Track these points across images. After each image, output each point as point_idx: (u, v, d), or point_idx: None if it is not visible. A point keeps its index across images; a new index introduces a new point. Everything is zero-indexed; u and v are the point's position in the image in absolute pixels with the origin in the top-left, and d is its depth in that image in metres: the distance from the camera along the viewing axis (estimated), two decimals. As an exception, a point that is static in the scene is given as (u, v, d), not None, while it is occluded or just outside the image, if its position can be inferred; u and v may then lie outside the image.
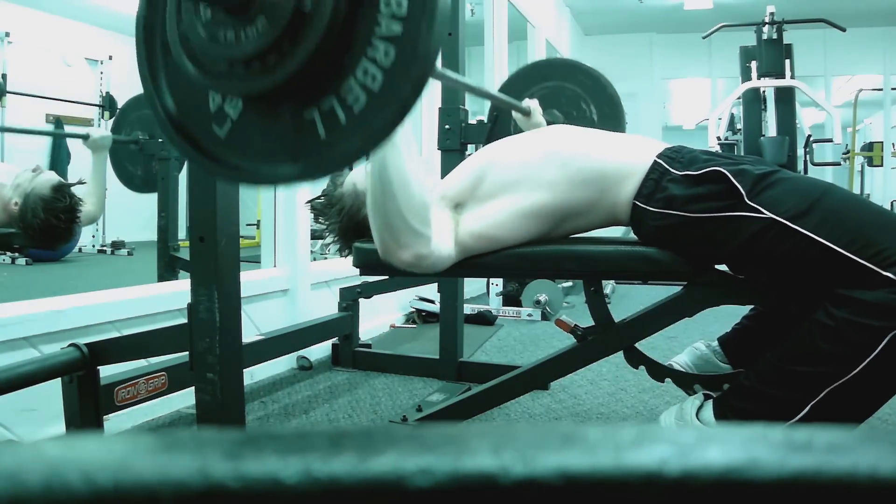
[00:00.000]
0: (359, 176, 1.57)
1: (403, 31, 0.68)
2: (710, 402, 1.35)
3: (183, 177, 2.89)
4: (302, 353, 2.48)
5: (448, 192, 1.43)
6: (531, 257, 1.40)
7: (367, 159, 1.14)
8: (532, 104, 1.93)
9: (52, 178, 2.02)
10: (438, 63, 0.73)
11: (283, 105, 0.74)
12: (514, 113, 1.97)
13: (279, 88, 0.71)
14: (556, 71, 2.19)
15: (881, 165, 7.51)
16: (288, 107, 0.74)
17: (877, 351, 1.11)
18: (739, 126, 5.56)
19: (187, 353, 1.26)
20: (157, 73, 0.82)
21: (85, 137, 2.44)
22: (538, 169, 1.38)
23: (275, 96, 0.73)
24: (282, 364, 2.46)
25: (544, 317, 3.54)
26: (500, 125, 2.22)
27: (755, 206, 1.22)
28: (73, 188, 2.04)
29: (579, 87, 2.13)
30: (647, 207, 1.33)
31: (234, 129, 0.78)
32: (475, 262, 1.40)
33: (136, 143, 2.83)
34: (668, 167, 1.33)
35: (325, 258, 3.94)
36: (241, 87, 0.74)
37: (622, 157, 1.38)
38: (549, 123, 2.02)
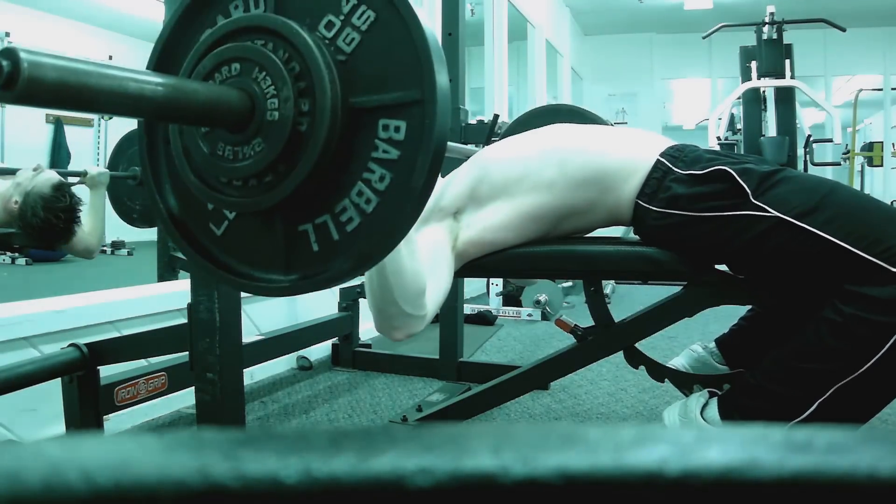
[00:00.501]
0: None
1: (400, 156, 0.69)
2: (715, 399, 1.34)
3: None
4: (302, 353, 2.48)
5: (444, 203, 1.41)
6: (531, 257, 1.40)
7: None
8: None
9: (53, 177, 2.02)
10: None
11: (277, 218, 0.75)
12: None
13: (274, 207, 0.72)
14: (560, 116, 2.17)
15: (881, 165, 7.52)
16: (282, 218, 0.75)
17: (886, 347, 1.11)
18: (739, 126, 5.56)
19: (187, 353, 1.26)
20: (161, 175, 0.82)
21: (83, 175, 2.44)
22: (536, 168, 1.37)
23: (269, 211, 0.74)
24: (282, 364, 2.46)
25: (544, 317, 3.54)
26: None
27: (761, 204, 1.22)
28: (73, 187, 2.04)
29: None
30: (650, 207, 1.32)
31: (229, 229, 0.79)
32: (475, 261, 1.40)
33: (133, 179, 2.82)
34: (671, 166, 1.32)
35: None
36: (237, 204, 0.74)
37: (624, 155, 1.37)
38: None
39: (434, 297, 1.26)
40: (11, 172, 2.07)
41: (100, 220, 2.40)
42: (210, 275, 0.80)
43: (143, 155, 0.83)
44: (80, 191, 2.12)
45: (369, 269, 0.75)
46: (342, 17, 0.71)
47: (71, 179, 2.22)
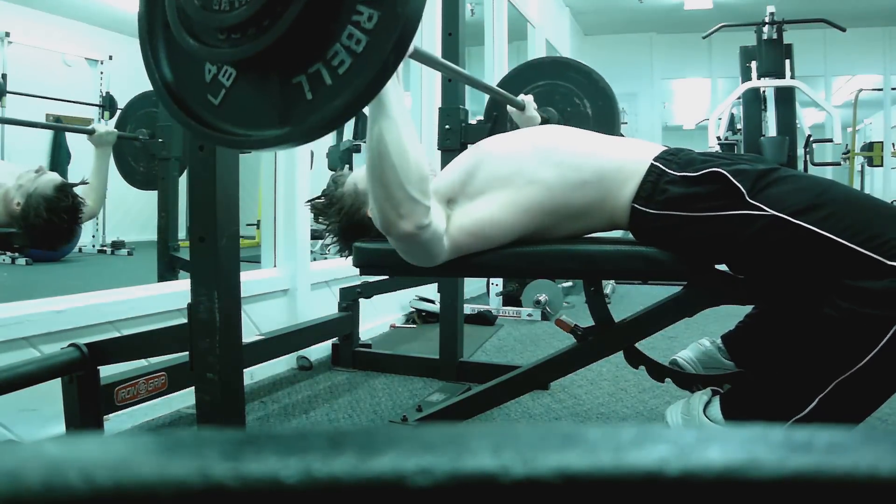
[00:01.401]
0: (359, 176, 1.57)
1: None
2: (718, 398, 1.34)
3: (183, 177, 2.89)
4: (302, 353, 2.48)
5: (440, 187, 1.42)
6: (531, 257, 1.40)
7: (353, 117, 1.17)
8: (526, 99, 1.95)
9: (55, 178, 2.03)
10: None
11: (272, 72, 0.77)
12: (508, 108, 1.99)
13: (270, 51, 0.75)
14: (547, 70, 2.20)
15: (881, 165, 7.51)
16: (277, 73, 0.77)
17: (884, 341, 1.11)
18: (739, 126, 5.56)
19: (187, 353, 1.26)
20: (157, 46, 0.86)
21: (90, 132, 2.45)
22: (530, 164, 1.37)
23: (265, 63, 0.77)
24: (282, 364, 2.46)
25: (544, 317, 3.54)
26: (499, 124, 2.22)
27: (757, 203, 1.22)
28: (75, 188, 2.04)
29: (572, 84, 2.15)
30: (647, 210, 1.33)
31: (226, 97, 0.82)
32: (475, 261, 1.40)
33: (140, 140, 2.84)
34: (665, 168, 1.32)
35: (325, 258, 3.94)
36: (235, 54, 0.77)
37: (619, 159, 1.37)
38: (544, 120, 2.03)
39: (436, 213, 1.28)
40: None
41: (103, 180, 2.41)
42: (206, 139, 0.84)
43: (143, 30, 0.85)
44: (81, 190, 2.12)
45: (362, 108, 0.79)
46: None
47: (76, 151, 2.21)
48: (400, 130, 1.16)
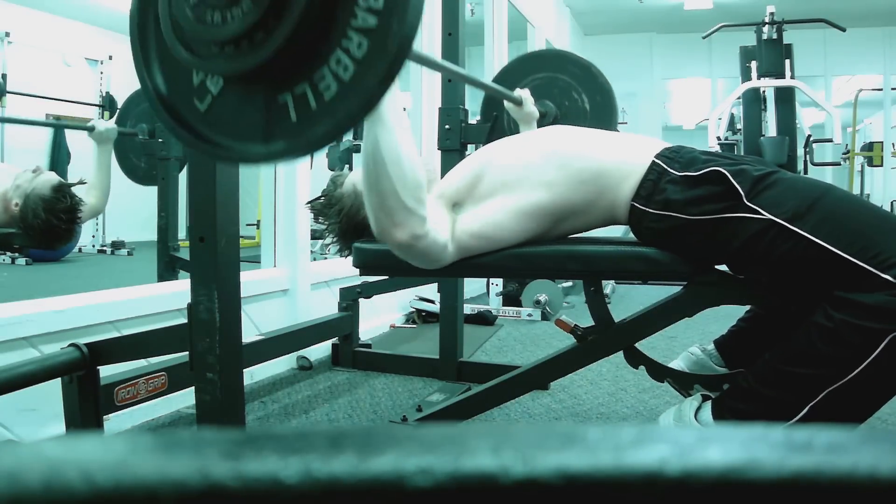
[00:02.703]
0: (358, 177, 1.57)
1: (378, 24, 0.70)
2: (709, 403, 1.35)
3: (183, 177, 2.89)
4: (302, 353, 2.48)
5: (446, 191, 1.42)
6: (531, 257, 1.40)
7: (337, 142, 1.16)
8: (523, 94, 1.94)
9: (53, 178, 2.02)
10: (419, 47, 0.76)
11: (259, 86, 0.77)
12: (505, 102, 1.99)
13: (259, 68, 0.74)
14: (547, 62, 2.20)
15: (881, 165, 7.51)
16: (264, 88, 0.77)
17: (875, 353, 1.11)
18: (739, 126, 5.56)
19: (187, 353, 1.26)
20: (150, 54, 0.85)
21: (90, 129, 2.45)
22: (537, 169, 1.38)
23: (253, 77, 0.77)
24: (282, 364, 2.46)
25: (544, 317, 3.54)
26: (498, 123, 2.22)
27: (754, 207, 1.22)
28: (73, 188, 2.04)
29: (570, 78, 2.14)
30: (646, 209, 1.33)
31: (213, 105, 0.82)
32: (475, 262, 1.40)
33: (140, 135, 2.84)
34: (666, 167, 1.32)
35: (325, 258, 3.94)
36: (224, 67, 0.77)
37: (621, 157, 1.37)
38: (541, 114, 2.03)
39: (437, 221, 1.27)
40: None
41: (105, 177, 2.41)
42: (192, 146, 0.84)
43: (134, 35, 0.85)
44: (81, 191, 2.12)
45: (343, 135, 0.79)
46: None
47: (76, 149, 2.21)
48: (396, 139, 1.15)
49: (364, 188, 1.21)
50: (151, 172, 2.90)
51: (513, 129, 2.11)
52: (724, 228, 1.26)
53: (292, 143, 0.76)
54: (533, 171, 1.38)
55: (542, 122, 2.06)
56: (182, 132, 0.83)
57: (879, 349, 1.11)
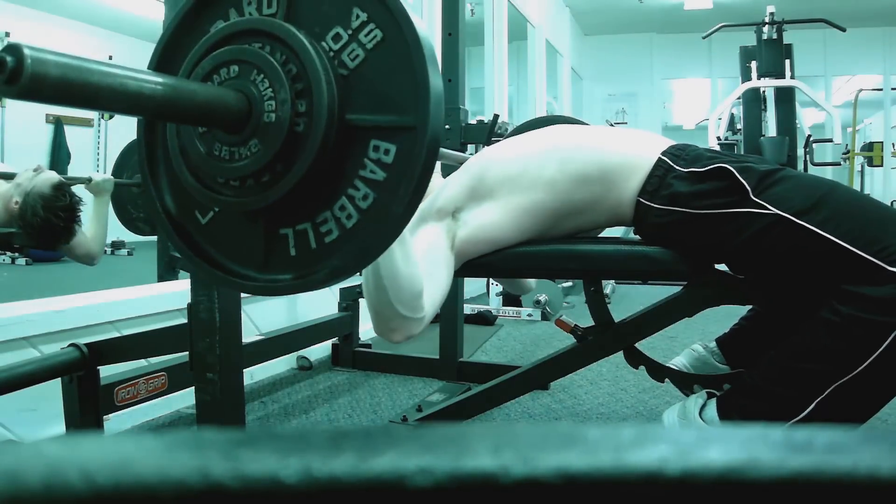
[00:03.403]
0: None
1: (386, 178, 0.70)
2: (714, 400, 1.34)
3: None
4: (302, 353, 2.48)
5: (443, 205, 1.40)
6: (531, 257, 1.40)
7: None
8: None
9: (53, 177, 2.03)
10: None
11: (261, 217, 0.76)
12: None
13: (263, 209, 0.74)
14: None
15: (881, 165, 7.52)
16: (265, 220, 0.76)
17: (883, 347, 1.11)
18: (739, 126, 5.56)
19: (187, 353, 1.26)
20: (159, 175, 0.84)
21: (87, 181, 2.45)
22: (536, 166, 1.37)
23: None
24: (282, 364, 2.46)
25: (544, 317, 3.54)
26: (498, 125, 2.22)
27: (760, 202, 1.22)
28: (72, 187, 2.04)
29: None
30: (652, 204, 1.32)
31: (214, 220, 0.81)
32: (475, 262, 1.40)
33: (137, 186, 2.83)
34: (672, 164, 1.32)
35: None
36: (229, 202, 0.75)
37: (625, 153, 1.37)
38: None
39: (432, 298, 1.25)
40: (10, 176, 2.07)
41: (102, 227, 2.41)
42: (194, 265, 0.82)
43: (142, 156, 0.84)
44: (81, 191, 2.12)
45: (342, 281, 0.77)
46: (350, 32, 0.72)
47: (75, 189, 2.22)
48: (394, 258, 1.13)
49: (363, 290, 1.21)
50: (150, 222, 2.90)
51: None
52: (729, 223, 1.25)
53: (290, 279, 0.75)
54: (532, 168, 1.37)
55: None
56: (187, 251, 0.82)
57: (887, 343, 1.11)
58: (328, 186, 0.73)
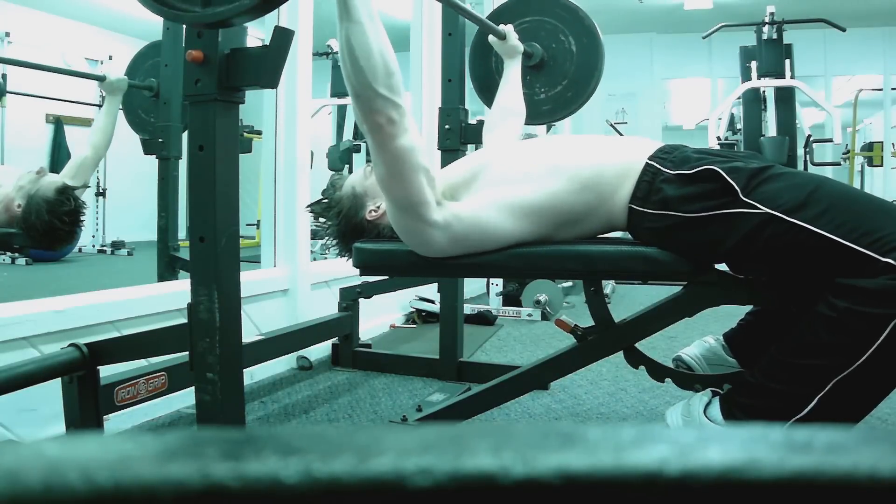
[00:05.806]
0: (357, 179, 1.58)
1: None
2: (717, 399, 1.35)
3: (183, 176, 2.88)
4: (302, 353, 2.48)
5: (449, 178, 1.44)
6: (531, 257, 1.40)
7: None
8: (507, 28, 1.99)
9: (57, 180, 2.03)
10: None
11: None
12: (489, 37, 2.03)
13: None
14: (535, 5, 2.21)
15: (881, 165, 7.51)
16: None
17: (881, 338, 1.11)
18: (739, 126, 5.56)
19: (187, 353, 1.26)
20: None
21: (101, 79, 2.48)
22: (538, 179, 1.39)
23: None
24: (282, 364, 2.46)
25: (544, 317, 3.54)
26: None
27: (751, 201, 1.23)
28: (76, 191, 2.04)
29: (557, 21, 2.16)
30: (644, 210, 1.33)
31: None
32: (475, 262, 1.40)
33: (149, 90, 2.84)
34: (660, 167, 1.33)
35: (325, 258, 3.94)
36: None
37: (617, 161, 1.38)
38: (528, 55, 2.08)
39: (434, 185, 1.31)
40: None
41: (111, 122, 2.43)
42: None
43: None
44: (82, 192, 2.12)
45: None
46: None
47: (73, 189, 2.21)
48: (365, 32, 1.18)
49: (345, 80, 1.24)
50: (158, 129, 2.87)
51: (500, 69, 2.12)
52: (722, 224, 1.26)
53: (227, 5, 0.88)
54: (533, 179, 1.39)
55: (528, 61, 2.11)
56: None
57: (885, 334, 1.11)
58: None
